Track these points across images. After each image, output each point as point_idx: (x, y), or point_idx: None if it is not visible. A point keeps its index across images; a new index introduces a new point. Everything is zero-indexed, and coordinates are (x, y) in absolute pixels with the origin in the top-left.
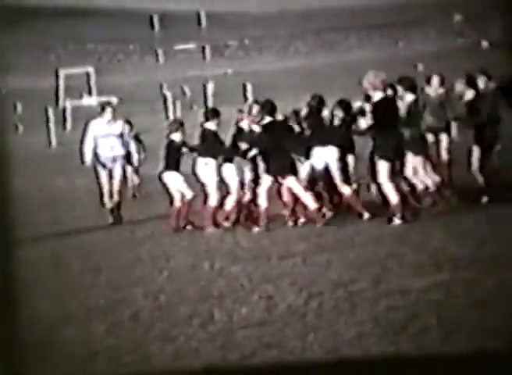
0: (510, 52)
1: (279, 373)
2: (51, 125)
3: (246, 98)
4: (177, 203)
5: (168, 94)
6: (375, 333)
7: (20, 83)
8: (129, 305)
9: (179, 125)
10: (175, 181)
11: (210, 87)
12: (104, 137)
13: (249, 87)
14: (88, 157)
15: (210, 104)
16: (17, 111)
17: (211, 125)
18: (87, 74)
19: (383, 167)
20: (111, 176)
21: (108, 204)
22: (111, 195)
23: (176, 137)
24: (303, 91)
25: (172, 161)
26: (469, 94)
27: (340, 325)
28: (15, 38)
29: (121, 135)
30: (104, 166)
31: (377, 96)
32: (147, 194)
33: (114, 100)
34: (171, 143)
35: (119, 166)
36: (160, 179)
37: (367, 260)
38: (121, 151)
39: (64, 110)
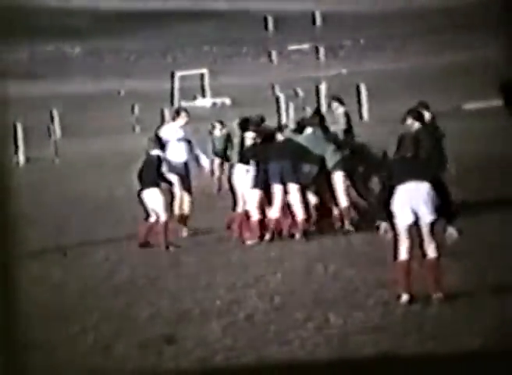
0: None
1: (279, 373)
2: None
3: (360, 99)
4: (151, 220)
5: (281, 96)
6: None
7: (138, 86)
8: (244, 305)
9: (160, 142)
10: (153, 200)
11: (323, 88)
12: (177, 142)
13: (363, 87)
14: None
15: (323, 105)
16: (135, 112)
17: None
18: (201, 76)
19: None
20: (182, 184)
21: (176, 211)
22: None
23: (156, 153)
24: (419, 92)
25: (152, 177)
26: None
27: (463, 335)
28: (135, 42)
29: (190, 141)
30: (175, 171)
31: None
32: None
33: (227, 101)
34: (150, 159)
35: (188, 174)
36: (139, 196)
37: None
38: (187, 157)
39: None
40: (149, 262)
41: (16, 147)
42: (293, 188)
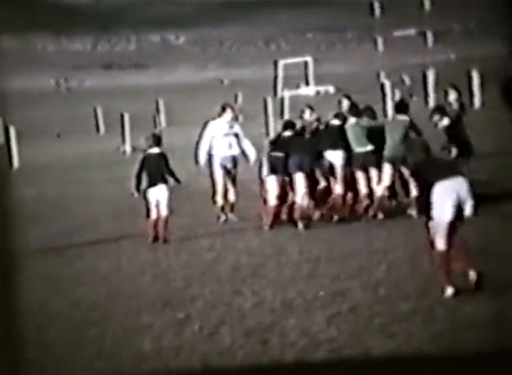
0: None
1: (280, 373)
2: (270, 115)
3: (471, 85)
4: (153, 215)
5: (387, 83)
6: None
7: (242, 74)
8: (348, 297)
9: (157, 140)
10: (161, 196)
11: (431, 75)
12: (224, 137)
13: (474, 73)
14: (202, 158)
15: (430, 92)
16: (238, 101)
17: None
18: (305, 64)
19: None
20: (227, 176)
21: (220, 202)
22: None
23: (157, 150)
24: None
25: (161, 174)
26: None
27: None
28: (238, 31)
29: (237, 135)
30: (222, 164)
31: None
32: None
33: (331, 89)
34: (152, 157)
35: (235, 166)
36: (144, 194)
37: None
38: (237, 151)
39: (282, 100)
40: (252, 251)
41: (123, 136)
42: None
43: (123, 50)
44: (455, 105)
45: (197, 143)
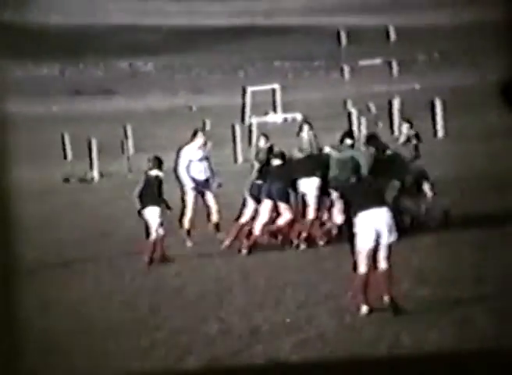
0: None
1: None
2: (238, 142)
3: (434, 115)
4: (153, 236)
5: (353, 111)
6: None
7: (210, 101)
8: (314, 323)
9: (159, 162)
10: (154, 217)
11: (396, 103)
12: (198, 161)
13: (438, 103)
14: (188, 181)
15: (395, 120)
16: (206, 128)
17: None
18: (273, 91)
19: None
20: (201, 198)
21: (186, 225)
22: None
23: (155, 173)
24: (497, 107)
25: (153, 197)
26: None
27: None
28: (206, 58)
29: (208, 158)
30: (196, 188)
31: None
32: None
33: (298, 116)
34: (149, 179)
35: (210, 188)
36: (140, 214)
37: None
38: (208, 174)
39: (250, 127)
40: (217, 277)
41: (91, 162)
42: (282, 207)
43: (91, 76)
44: (410, 137)
45: (175, 169)
